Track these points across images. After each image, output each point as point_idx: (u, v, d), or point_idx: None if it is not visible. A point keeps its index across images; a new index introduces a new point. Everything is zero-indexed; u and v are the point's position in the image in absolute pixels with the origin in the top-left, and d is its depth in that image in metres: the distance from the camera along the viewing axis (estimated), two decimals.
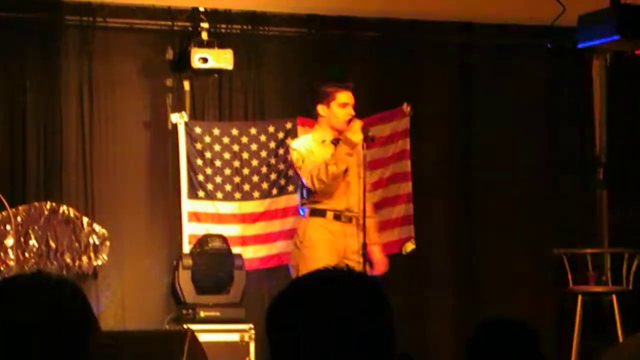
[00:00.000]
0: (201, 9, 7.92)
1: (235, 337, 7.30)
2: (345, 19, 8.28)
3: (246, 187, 7.96)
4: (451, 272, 8.37)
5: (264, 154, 8.00)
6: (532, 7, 8.05)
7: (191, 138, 7.85)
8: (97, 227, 7.59)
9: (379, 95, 8.24)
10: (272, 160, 8.02)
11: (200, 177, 7.86)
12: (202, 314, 7.35)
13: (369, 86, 8.08)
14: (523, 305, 8.12)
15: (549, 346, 7.81)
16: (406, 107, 8.07)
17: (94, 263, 7.58)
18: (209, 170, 7.89)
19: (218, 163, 7.92)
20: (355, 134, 6.46)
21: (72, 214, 7.55)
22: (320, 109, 6.61)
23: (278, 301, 1.92)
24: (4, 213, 7.26)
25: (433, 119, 8.41)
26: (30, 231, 7.44)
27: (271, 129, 8.05)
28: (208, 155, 7.89)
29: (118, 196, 7.84)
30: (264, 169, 8.00)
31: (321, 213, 6.53)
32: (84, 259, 7.56)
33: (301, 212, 6.70)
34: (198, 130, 7.89)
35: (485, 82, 8.57)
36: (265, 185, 7.99)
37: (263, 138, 8.02)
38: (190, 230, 7.76)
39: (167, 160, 7.94)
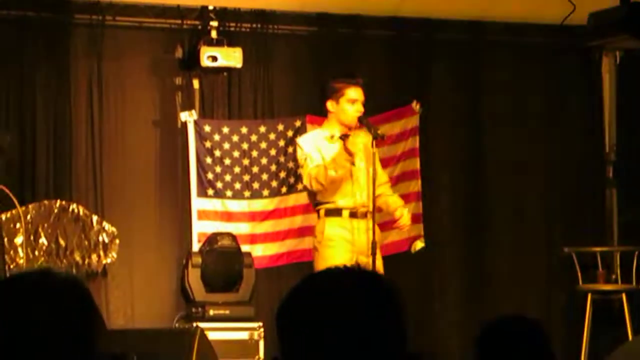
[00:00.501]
0: (210, 7, 7.92)
1: (244, 336, 7.30)
2: (355, 17, 8.27)
3: (255, 185, 7.96)
4: (460, 270, 8.36)
5: (273, 152, 8.00)
6: (543, 6, 8.05)
7: (200, 136, 7.86)
8: (106, 225, 7.60)
9: (389, 93, 8.24)
10: (282, 159, 8.02)
11: (210, 176, 7.87)
12: (212, 312, 7.35)
13: (379, 84, 8.08)
14: (533, 304, 8.11)
15: (558, 344, 7.80)
16: (416, 105, 8.07)
17: (104, 261, 7.59)
18: (218, 169, 7.89)
19: (227, 161, 7.92)
20: (355, 146, 6.44)
21: (81, 212, 7.56)
22: (330, 104, 6.60)
23: (289, 299, 1.92)
24: (13, 211, 7.28)
25: (443, 117, 8.40)
26: (40, 229, 7.45)
27: (280, 127, 8.05)
28: (217, 153, 7.89)
29: (127, 194, 7.85)
30: (274, 167, 8.00)
31: (337, 212, 6.53)
32: (94, 257, 7.57)
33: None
34: (207, 128, 7.89)
35: (495, 80, 8.56)
36: (274, 184, 7.99)
37: (272, 136, 8.02)
38: (200, 229, 7.76)
39: (177, 159, 7.95)
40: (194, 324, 6.95)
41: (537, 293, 8.36)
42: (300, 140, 6.78)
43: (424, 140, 8.12)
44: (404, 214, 6.56)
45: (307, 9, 8.19)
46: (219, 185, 7.88)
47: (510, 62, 8.60)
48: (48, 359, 1.92)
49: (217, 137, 7.90)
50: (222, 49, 7.74)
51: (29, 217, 7.41)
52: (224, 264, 7.51)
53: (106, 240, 7.59)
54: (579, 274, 7.71)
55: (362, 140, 6.58)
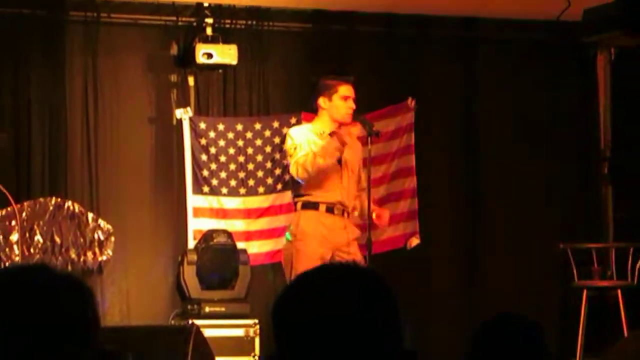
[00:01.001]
0: (205, 4, 7.92)
1: (240, 332, 7.31)
2: (350, 14, 8.27)
3: (251, 182, 7.96)
4: (456, 267, 8.37)
5: (268, 149, 8.01)
6: (537, 2, 8.05)
7: (196, 133, 7.85)
8: (102, 222, 7.60)
9: (384, 90, 8.24)
10: (277, 156, 8.02)
11: (205, 173, 7.87)
12: (207, 309, 7.35)
13: (374, 81, 8.08)
14: (528, 300, 8.12)
15: (553, 341, 7.81)
16: (411, 102, 8.07)
17: (99, 258, 7.59)
18: (213, 166, 7.89)
19: (223, 158, 7.92)
20: (350, 136, 6.44)
21: (77, 210, 7.56)
22: (322, 101, 6.56)
23: (284, 296, 1.92)
24: (9, 209, 7.27)
25: (438, 114, 8.41)
26: (35, 227, 7.45)
27: (276, 124, 8.05)
28: (213, 150, 7.89)
29: (123, 192, 7.85)
30: (269, 164, 8.00)
31: (314, 206, 6.43)
32: (89, 254, 7.57)
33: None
34: (203, 125, 7.89)
35: (489, 77, 8.56)
36: (269, 181, 7.99)
37: (268, 133, 8.02)
38: (195, 226, 7.76)
39: (172, 156, 7.95)
40: (190, 321, 6.94)
41: (533, 289, 8.37)
42: (291, 130, 6.70)
43: (419, 137, 8.12)
44: (382, 215, 6.48)
45: (302, 5, 8.19)
46: (215, 182, 7.88)
47: (505, 58, 8.60)
48: (42, 353, 1.92)
49: (212, 134, 7.90)
50: (217, 46, 7.73)
51: (24, 214, 7.41)
52: (220, 261, 7.51)
53: (102, 238, 7.59)
54: (575, 271, 7.71)
55: (354, 134, 6.56)
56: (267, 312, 7.26)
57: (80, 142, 7.77)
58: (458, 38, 8.53)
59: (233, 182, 7.93)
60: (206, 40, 7.76)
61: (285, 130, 8.00)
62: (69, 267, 7.46)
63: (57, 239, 7.50)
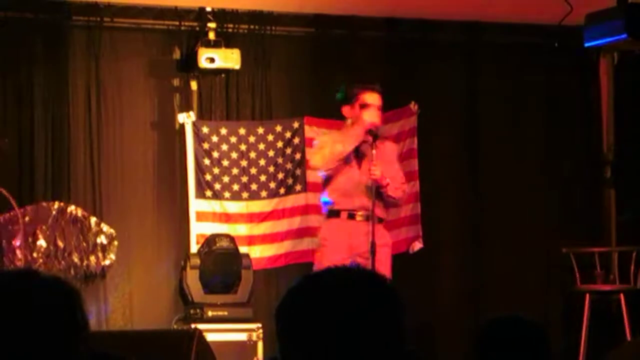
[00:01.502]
0: (208, 8, 7.93)
1: (243, 337, 7.31)
2: (352, 18, 8.28)
3: (254, 186, 7.97)
4: (459, 271, 8.37)
5: (271, 153, 8.01)
6: (540, 6, 8.05)
7: (198, 138, 7.86)
8: (104, 226, 7.60)
9: (387, 94, 8.21)
10: (280, 160, 8.02)
11: (208, 177, 7.87)
12: (210, 313, 7.36)
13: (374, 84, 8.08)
14: (531, 304, 8.11)
15: (556, 345, 7.80)
16: (413, 106, 8.08)
17: (102, 263, 7.60)
18: (216, 170, 7.90)
19: (225, 163, 7.93)
20: (371, 116, 6.46)
21: (79, 214, 7.57)
22: (346, 110, 6.64)
23: (288, 298, 1.92)
24: (12, 213, 7.28)
25: (441, 118, 8.41)
26: (38, 231, 7.45)
27: (278, 128, 8.05)
28: (215, 154, 7.90)
29: (126, 196, 7.86)
30: (272, 169, 8.01)
31: (336, 213, 6.58)
32: (92, 258, 7.57)
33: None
34: (205, 129, 7.90)
35: (492, 81, 8.56)
36: (272, 185, 8.00)
37: (270, 137, 8.02)
38: (198, 230, 7.77)
39: (175, 160, 7.95)
40: (193, 326, 6.95)
41: (535, 293, 8.36)
42: (315, 141, 6.89)
43: (422, 141, 8.13)
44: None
45: (304, 10, 8.20)
46: (217, 186, 7.88)
47: (508, 62, 8.60)
48: (30, 357, 1.92)
49: (215, 139, 7.91)
50: (220, 50, 7.74)
51: (27, 218, 7.41)
52: (223, 266, 7.51)
53: (104, 242, 7.59)
54: (577, 275, 7.72)
55: (386, 147, 6.69)
56: (270, 316, 7.24)
57: (83, 146, 7.78)
58: (460, 42, 8.53)
59: (236, 187, 7.93)
60: (209, 44, 7.77)
61: (288, 134, 8.03)
62: (72, 272, 7.47)
63: (60, 243, 7.51)
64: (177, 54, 7.98)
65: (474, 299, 8.29)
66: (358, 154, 6.59)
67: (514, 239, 8.46)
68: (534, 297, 8.32)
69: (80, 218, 7.56)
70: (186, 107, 7.91)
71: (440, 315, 8.26)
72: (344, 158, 6.50)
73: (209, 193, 7.86)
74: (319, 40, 8.27)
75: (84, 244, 7.56)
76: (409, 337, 1.92)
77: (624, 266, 7.88)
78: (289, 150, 8.03)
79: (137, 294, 7.79)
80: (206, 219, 7.82)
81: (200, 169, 7.85)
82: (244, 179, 7.95)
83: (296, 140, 8.05)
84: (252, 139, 7.99)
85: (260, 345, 7.30)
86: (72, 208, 7.56)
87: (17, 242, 7.35)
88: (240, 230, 7.86)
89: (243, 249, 7.70)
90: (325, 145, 6.52)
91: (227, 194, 7.90)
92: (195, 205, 7.82)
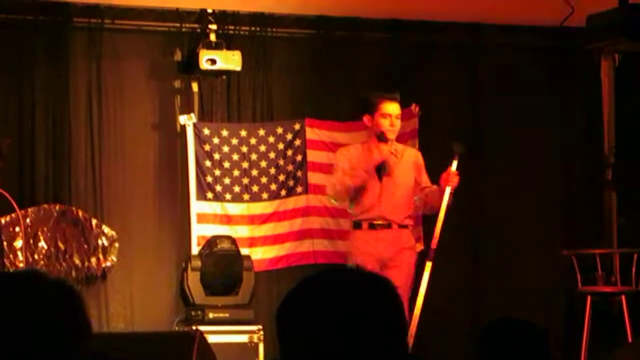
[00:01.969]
0: (209, 10, 7.93)
1: (244, 339, 7.30)
2: (354, 19, 8.28)
3: (255, 188, 7.97)
4: (460, 272, 8.36)
5: (272, 155, 8.01)
6: (541, 8, 8.05)
7: (200, 139, 7.86)
8: (106, 228, 7.60)
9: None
10: (281, 162, 8.02)
11: (209, 179, 7.87)
12: (211, 315, 7.35)
13: (378, 87, 8.07)
14: (532, 306, 8.11)
15: (557, 346, 7.80)
16: (415, 108, 8.07)
17: (103, 265, 7.60)
18: (217, 172, 7.89)
19: (226, 164, 7.92)
20: (398, 152, 6.68)
21: (81, 216, 7.57)
22: (367, 119, 6.77)
23: (289, 300, 1.92)
24: (13, 215, 7.28)
25: (442, 120, 8.41)
26: (39, 233, 7.45)
27: (280, 130, 8.05)
28: (216, 156, 7.90)
29: (127, 198, 7.86)
30: (273, 170, 8.01)
31: (358, 225, 6.73)
32: (93, 260, 7.57)
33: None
34: (206, 131, 7.90)
35: (493, 82, 8.56)
36: (273, 187, 8.00)
37: (271, 139, 8.02)
38: (199, 232, 7.77)
39: (176, 162, 7.95)
40: (194, 327, 6.95)
41: (537, 295, 8.36)
42: (339, 151, 6.96)
43: (423, 142, 8.12)
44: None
45: (305, 11, 8.20)
46: (218, 188, 7.88)
47: (509, 64, 8.60)
48: (32, 359, 1.92)
49: (216, 140, 7.90)
50: (221, 52, 7.74)
51: (28, 220, 7.41)
52: (224, 267, 7.51)
53: (105, 244, 7.59)
54: (579, 277, 7.71)
55: (408, 155, 6.79)
56: (271, 318, 7.22)
57: (84, 148, 7.78)
58: (463, 44, 8.53)
59: (237, 188, 7.93)
60: (210, 46, 7.77)
61: (289, 136, 8.03)
62: (73, 273, 7.47)
63: (61, 245, 7.51)
64: (178, 56, 7.98)
65: (475, 301, 8.29)
66: (380, 169, 6.70)
67: (515, 241, 8.45)
68: (535, 299, 8.31)
69: (82, 220, 7.56)
70: (187, 109, 7.91)
71: (440, 316, 8.25)
72: (352, 191, 6.65)
73: (210, 195, 7.86)
74: (320, 42, 8.27)
75: (85, 246, 7.56)
76: (408, 339, 1.91)
77: (625, 268, 7.87)
78: (290, 152, 8.03)
79: (138, 295, 7.79)
80: (207, 220, 7.82)
81: (201, 171, 7.85)
82: (245, 180, 7.95)
83: (297, 142, 8.05)
84: (253, 140, 7.99)
85: (261, 347, 7.29)
86: (73, 210, 7.56)
87: (18, 244, 7.35)
88: (241, 232, 7.86)
89: (244, 251, 7.70)
90: (336, 180, 6.69)
91: (228, 196, 7.90)
92: (196, 207, 7.82)
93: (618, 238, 8.50)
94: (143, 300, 7.79)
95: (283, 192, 8.00)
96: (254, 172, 7.98)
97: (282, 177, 8.01)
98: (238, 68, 7.77)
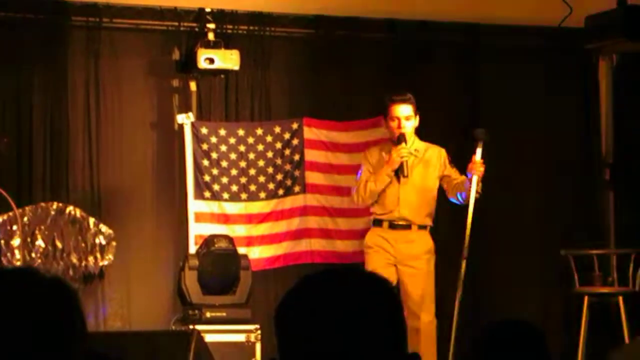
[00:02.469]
0: (207, 9, 7.93)
1: (241, 338, 7.30)
2: (353, 19, 8.28)
3: (252, 187, 7.96)
4: (457, 272, 8.35)
5: (270, 154, 8.01)
6: (539, 9, 8.06)
7: (197, 138, 7.86)
8: (103, 227, 7.60)
9: (386, 95, 8.23)
10: (279, 161, 8.02)
11: (207, 178, 7.87)
12: (208, 314, 7.35)
13: (376, 87, 8.08)
14: (530, 306, 8.11)
15: (555, 347, 7.80)
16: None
17: (100, 263, 7.59)
18: (215, 171, 7.89)
19: (224, 164, 7.92)
20: (396, 161, 6.76)
21: (78, 215, 7.56)
22: (383, 121, 7.00)
23: (287, 299, 1.92)
24: (10, 213, 7.28)
25: (440, 120, 8.40)
26: (36, 231, 7.45)
27: (277, 129, 8.05)
28: (214, 155, 7.89)
29: (124, 196, 7.85)
30: (270, 170, 8.00)
31: (379, 223, 6.89)
32: (90, 259, 7.57)
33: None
34: (204, 130, 7.90)
35: (492, 82, 8.56)
36: (271, 186, 7.99)
37: (269, 139, 8.02)
38: (197, 231, 7.76)
39: (174, 161, 7.95)
40: (191, 327, 6.95)
41: (534, 295, 8.36)
42: (362, 155, 7.12)
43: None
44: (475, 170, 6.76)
45: (304, 11, 8.20)
46: (216, 187, 7.88)
47: (507, 64, 8.60)
48: (27, 357, 1.92)
49: (214, 140, 7.90)
50: (219, 51, 7.74)
51: (25, 219, 7.41)
52: (221, 266, 7.50)
53: (103, 243, 7.59)
54: (576, 277, 7.71)
55: (430, 154, 6.92)
56: (269, 317, 7.25)
57: (82, 146, 7.77)
58: (461, 44, 8.53)
59: (234, 188, 7.93)
60: (208, 45, 7.77)
61: (287, 135, 8.03)
62: (71, 272, 7.46)
63: (59, 244, 7.50)
64: (176, 55, 7.97)
65: (473, 301, 8.28)
66: (397, 171, 6.83)
67: (513, 241, 8.45)
68: (533, 299, 8.32)
69: (79, 219, 7.56)
70: (185, 108, 7.91)
71: (438, 316, 8.25)
72: (379, 193, 6.83)
73: (207, 194, 7.85)
74: (318, 42, 8.27)
75: (83, 245, 7.55)
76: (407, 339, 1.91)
77: (622, 268, 7.87)
78: (287, 152, 8.02)
79: (136, 294, 7.79)
80: (205, 219, 7.82)
81: (199, 170, 7.85)
82: (243, 180, 7.95)
83: (295, 142, 8.05)
84: (251, 140, 7.99)
85: (258, 346, 7.29)
86: (70, 208, 7.55)
87: (15, 243, 7.34)
88: (238, 231, 7.86)
89: (241, 250, 7.70)
90: (360, 186, 6.88)
91: (225, 195, 7.90)
92: (194, 206, 7.81)
93: (616, 238, 8.51)
94: (140, 299, 7.79)
95: (281, 192, 8.00)
96: (252, 172, 7.97)
97: (279, 177, 8.01)
98: (236, 67, 7.77)
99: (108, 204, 7.77)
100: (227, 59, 7.73)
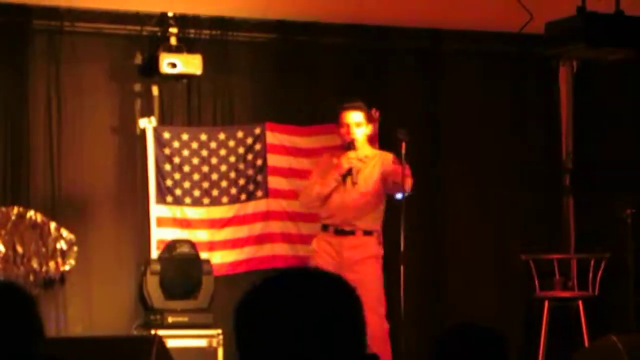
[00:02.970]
0: (170, 14, 7.91)
1: (203, 343, 7.29)
2: (315, 24, 8.29)
3: (215, 192, 7.95)
4: (418, 276, 8.38)
5: (232, 159, 8.00)
6: (500, 15, 8.10)
7: (160, 143, 7.84)
8: (64, 232, 7.56)
9: (348, 100, 8.25)
10: (241, 166, 8.02)
11: (169, 183, 7.85)
12: (170, 319, 7.33)
13: (338, 91, 8.09)
14: (490, 311, 8.15)
15: (515, 351, 7.84)
16: (374, 113, 8.09)
17: (62, 268, 7.55)
18: (177, 176, 7.88)
19: (186, 168, 7.91)
20: (343, 166, 6.77)
21: (39, 219, 7.52)
22: (337, 131, 6.96)
23: (246, 298, 1.92)
24: None
25: (402, 125, 8.42)
26: None
27: (240, 134, 8.05)
28: (176, 160, 7.88)
29: (86, 201, 7.82)
30: (233, 175, 8.00)
31: (325, 228, 6.84)
32: (51, 264, 7.52)
33: None
34: (166, 135, 7.88)
35: (452, 88, 8.60)
36: (233, 191, 7.99)
37: (232, 143, 8.02)
38: (159, 236, 7.74)
39: (136, 166, 7.92)
40: (152, 332, 6.93)
41: (494, 300, 8.40)
42: (314, 161, 7.21)
43: (384, 147, 8.14)
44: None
45: (266, 16, 8.20)
46: (178, 192, 7.86)
47: (469, 70, 8.65)
48: None
49: (176, 144, 7.89)
50: (182, 55, 7.73)
51: None
52: (183, 271, 7.49)
53: (64, 248, 7.55)
54: (536, 281, 7.76)
55: (378, 160, 6.88)
56: (230, 322, 7.23)
57: (42, 150, 7.73)
58: (422, 49, 8.56)
59: (197, 192, 7.92)
60: (170, 49, 7.75)
61: (249, 140, 8.03)
62: (31, 277, 7.42)
63: (19, 249, 7.46)
64: (138, 59, 7.95)
65: (434, 305, 8.31)
66: (345, 177, 6.80)
67: (473, 246, 8.49)
68: (493, 303, 8.36)
69: (40, 223, 7.52)
70: (147, 112, 7.89)
71: (399, 321, 8.27)
72: (323, 199, 6.79)
73: (169, 199, 7.84)
74: (281, 46, 8.28)
75: (44, 250, 7.51)
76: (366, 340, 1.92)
77: (582, 273, 7.94)
78: (250, 157, 8.02)
79: (97, 299, 7.75)
80: (167, 224, 7.80)
81: (161, 175, 7.83)
82: (205, 184, 7.94)
83: (257, 146, 8.05)
84: (213, 144, 7.98)
85: (220, 351, 7.28)
86: (31, 213, 7.51)
87: None
88: (200, 236, 7.85)
89: (204, 255, 7.69)
90: (306, 188, 6.91)
91: (187, 200, 7.89)
92: (156, 210, 7.80)
93: (575, 243, 8.57)
94: (102, 304, 7.76)
95: (243, 196, 8.00)
96: (214, 176, 7.97)
97: (242, 181, 8.01)
98: (199, 72, 7.76)
99: (69, 209, 7.73)
100: (190, 64, 7.72)
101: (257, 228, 7.96)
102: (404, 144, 6.82)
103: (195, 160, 7.93)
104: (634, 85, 8.43)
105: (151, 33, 7.94)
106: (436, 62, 8.61)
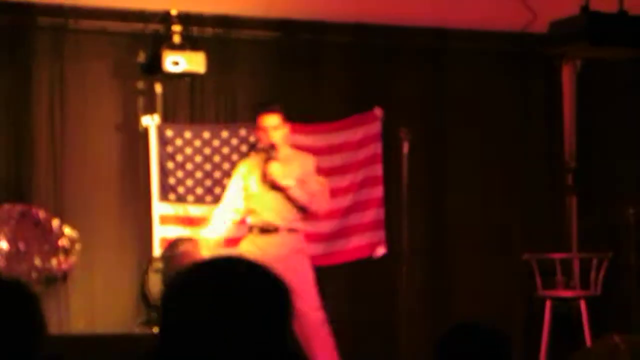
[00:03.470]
0: (173, 12, 7.91)
1: None
2: (319, 23, 8.29)
3: (217, 190, 7.95)
4: (421, 276, 8.39)
5: (235, 157, 8.00)
6: (504, 14, 8.10)
7: (162, 141, 7.84)
8: (67, 229, 7.56)
9: (351, 99, 8.26)
10: None
11: (172, 180, 7.85)
12: None
13: (342, 90, 8.11)
14: (492, 310, 8.15)
15: (517, 351, 7.84)
16: (378, 111, 8.10)
17: (64, 266, 7.55)
18: (180, 174, 7.88)
19: (189, 166, 7.91)
20: (286, 158, 6.89)
21: (42, 217, 7.52)
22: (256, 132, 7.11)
23: (174, 285, 1.91)
24: None
25: (405, 123, 8.42)
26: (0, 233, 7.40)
27: (243, 132, 8.05)
28: (179, 158, 7.88)
29: (89, 198, 7.82)
30: None
31: (250, 229, 6.96)
32: (54, 261, 7.53)
33: None
34: (169, 133, 7.88)
35: (457, 87, 8.60)
36: None
37: (234, 141, 8.02)
38: (161, 234, 7.74)
39: (138, 163, 7.92)
40: (155, 329, 6.93)
41: (497, 299, 8.40)
42: (239, 165, 7.22)
43: (388, 146, 8.15)
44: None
45: (270, 14, 8.20)
46: (181, 190, 7.86)
47: (472, 69, 8.65)
48: None
49: (179, 142, 7.89)
50: (185, 53, 7.73)
51: None
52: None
53: (67, 245, 7.55)
54: (538, 281, 7.76)
55: (298, 161, 6.95)
56: None
57: (46, 148, 7.74)
58: (426, 48, 8.56)
59: (199, 190, 7.92)
60: (174, 47, 7.75)
61: (252, 138, 8.02)
62: (34, 274, 7.42)
63: (22, 246, 7.46)
64: (141, 57, 7.95)
65: (437, 305, 8.32)
66: (268, 151, 6.91)
67: (476, 245, 8.49)
68: (496, 303, 8.35)
69: (43, 221, 7.52)
70: (150, 110, 7.89)
71: (403, 320, 8.28)
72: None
73: (172, 196, 7.84)
74: (284, 45, 8.28)
75: (46, 247, 7.51)
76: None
77: (584, 272, 7.94)
78: None
79: (99, 297, 7.76)
80: (169, 222, 7.80)
81: (163, 172, 7.83)
82: (208, 182, 7.94)
83: None
84: (216, 142, 7.98)
85: None
86: (34, 210, 7.51)
87: None
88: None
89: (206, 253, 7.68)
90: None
91: (190, 198, 7.89)
92: (159, 208, 7.80)
93: (578, 242, 8.57)
94: (104, 302, 7.76)
95: None
96: (217, 174, 7.97)
97: None
98: (202, 70, 7.76)
99: (72, 206, 7.74)
100: (193, 62, 7.72)
101: None
102: (406, 143, 6.82)
103: (198, 158, 7.93)
104: (637, 84, 8.42)
105: (154, 31, 7.94)
106: (440, 61, 8.61)
